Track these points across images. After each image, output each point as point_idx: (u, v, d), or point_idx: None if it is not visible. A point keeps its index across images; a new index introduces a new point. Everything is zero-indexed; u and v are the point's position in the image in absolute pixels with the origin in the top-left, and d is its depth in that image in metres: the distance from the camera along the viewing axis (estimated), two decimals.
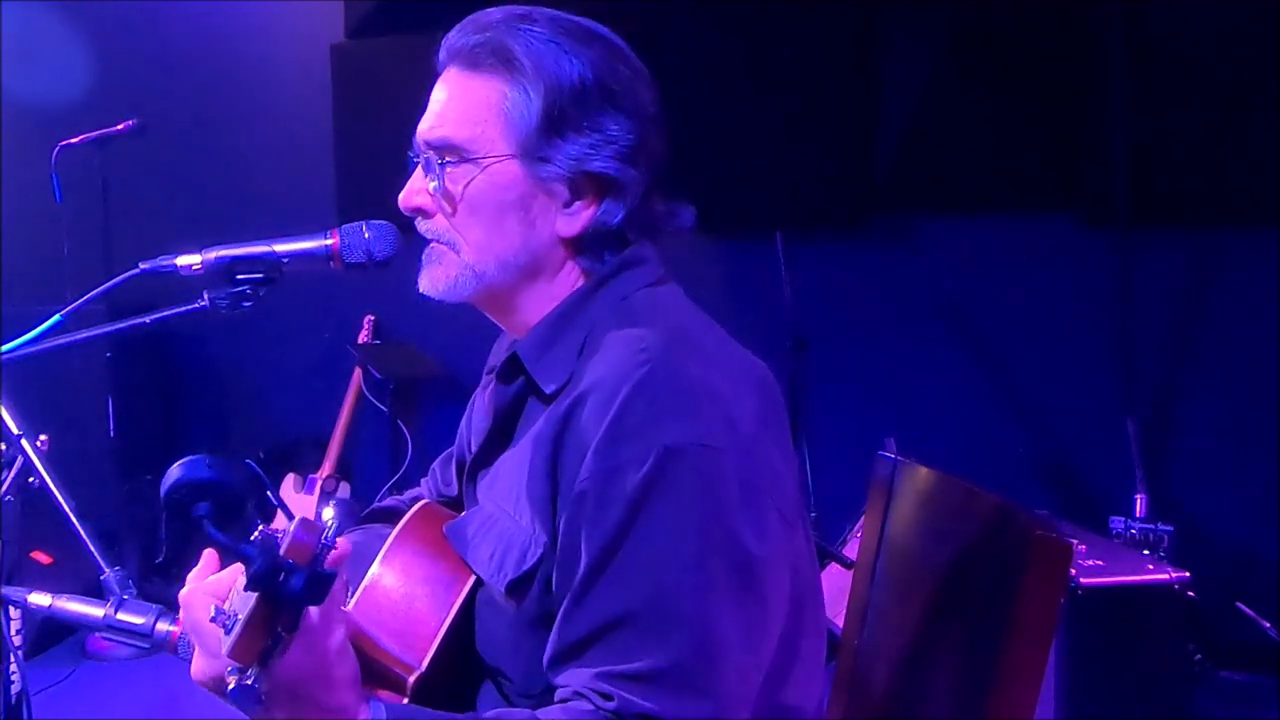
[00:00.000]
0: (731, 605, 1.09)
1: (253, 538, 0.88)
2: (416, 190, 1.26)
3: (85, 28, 4.45)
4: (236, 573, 1.04)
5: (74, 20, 4.44)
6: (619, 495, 1.08)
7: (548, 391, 1.21)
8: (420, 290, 1.27)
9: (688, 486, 1.08)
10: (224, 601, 0.97)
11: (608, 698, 1.06)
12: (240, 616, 0.87)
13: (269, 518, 0.97)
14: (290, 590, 0.85)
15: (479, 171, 1.21)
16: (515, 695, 1.23)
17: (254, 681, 0.89)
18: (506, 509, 1.23)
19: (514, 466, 1.24)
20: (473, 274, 1.24)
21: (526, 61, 1.19)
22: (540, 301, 1.26)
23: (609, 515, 1.08)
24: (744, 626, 1.10)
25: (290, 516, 0.90)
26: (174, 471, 0.92)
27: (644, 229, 1.27)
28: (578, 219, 1.23)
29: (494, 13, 1.24)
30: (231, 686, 0.89)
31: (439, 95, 1.25)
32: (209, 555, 1.14)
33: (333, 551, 0.90)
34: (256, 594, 0.86)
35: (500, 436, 1.30)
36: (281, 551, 0.86)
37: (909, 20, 3.74)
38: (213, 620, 0.92)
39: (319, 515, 1.07)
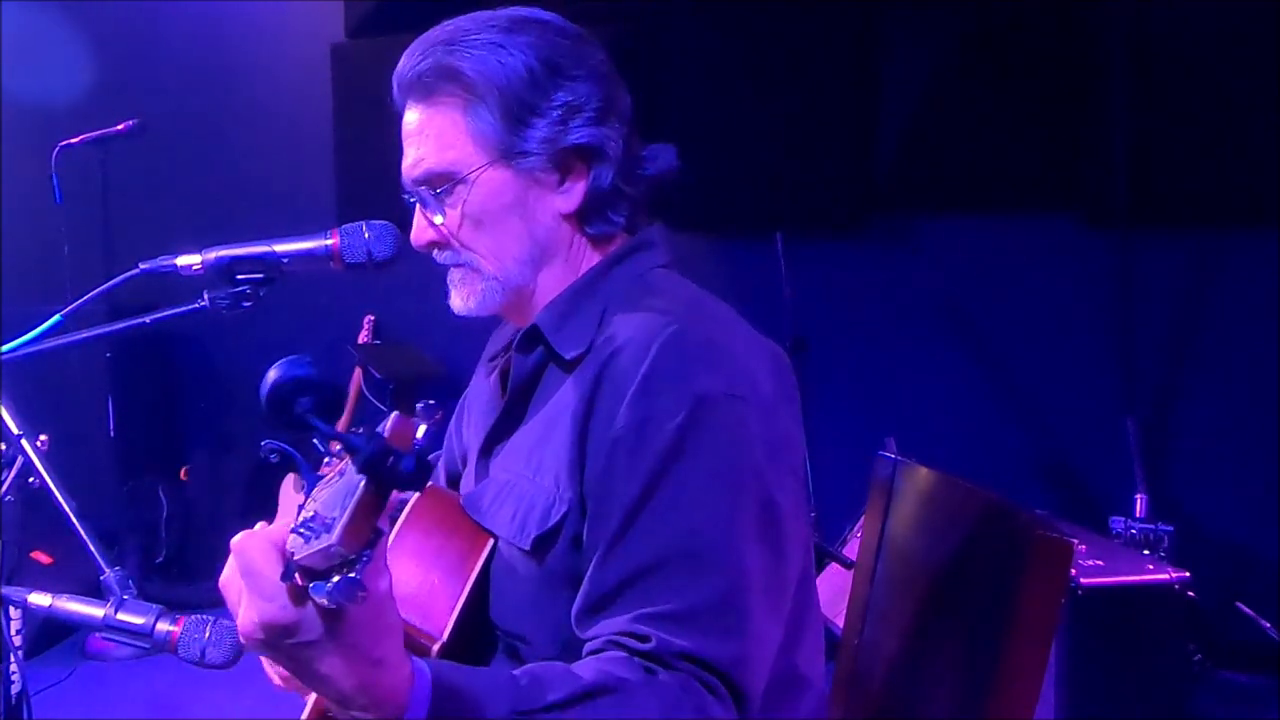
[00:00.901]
0: (760, 549, 1.13)
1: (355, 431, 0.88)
2: (422, 227, 1.29)
3: (85, 28, 4.45)
4: (285, 525, 1.01)
5: (74, 20, 4.44)
6: (653, 443, 1.12)
7: (568, 357, 1.25)
8: (455, 312, 1.31)
9: (720, 434, 1.13)
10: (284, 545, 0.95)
11: (644, 639, 1.08)
12: (350, 501, 0.86)
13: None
14: (402, 472, 0.86)
15: (470, 189, 1.25)
16: (533, 660, 1.23)
17: (357, 573, 0.88)
18: (525, 474, 1.25)
19: (533, 434, 1.27)
20: (498, 283, 1.28)
21: (471, 73, 1.23)
22: (560, 281, 1.30)
23: (643, 463, 1.12)
24: (769, 571, 1.14)
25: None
26: (273, 373, 0.92)
27: (633, 177, 1.30)
28: (574, 192, 1.27)
29: (428, 36, 1.27)
30: (336, 580, 0.87)
31: (409, 132, 1.29)
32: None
33: (423, 448, 0.90)
34: (363, 480, 0.86)
35: (516, 409, 1.32)
36: (385, 436, 0.87)
37: (909, 20, 3.74)
38: (294, 531, 0.91)
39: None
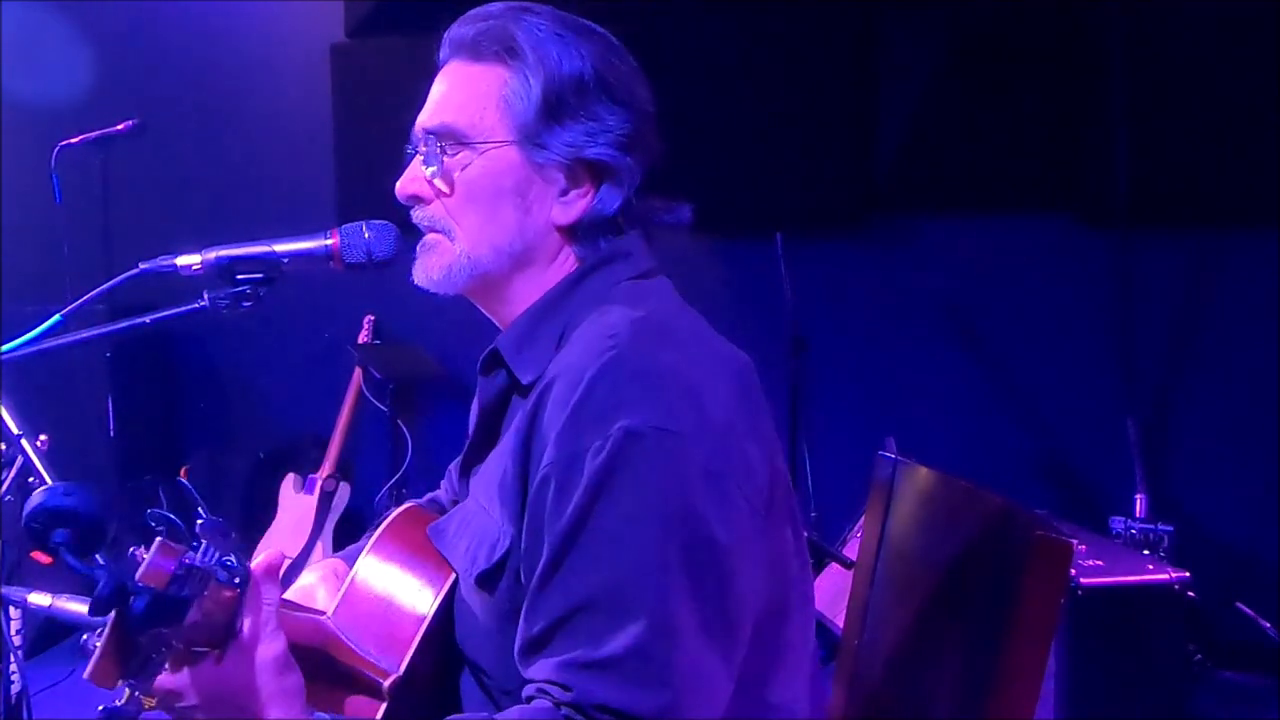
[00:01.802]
0: (692, 592, 1.07)
1: (106, 565, 0.89)
2: (414, 177, 1.26)
3: (85, 28, 4.44)
4: None
5: (74, 20, 4.43)
6: (578, 481, 1.07)
7: (524, 383, 1.22)
8: (415, 282, 1.28)
9: (647, 470, 1.07)
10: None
11: (566, 688, 1.05)
12: (101, 637, 0.88)
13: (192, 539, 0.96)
14: (132, 613, 0.86)
15: (477, 157, 1.23)
16: (495, 690, 1.23)
17: (126, 702, 0.89)
18: (483, 504, 1.23)
19: (495, 462, 1.25)
20: (468, 260, 1.24)
21: (528, 48, 1.22)
22: (533, 291, 1.27)
23: (568, 501, 1.08)
24: (704, 614, 1.08)
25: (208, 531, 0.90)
26: (34, 498, 0.93)
27: (639, 222, 1.28)
28: (574, 207, 1.24)
29: (494, 6, 1.26)
30: (101, 709, 0.90)
31: (439, 86, 1.27)
32: None
33: (195, 573, 0.90)
34: (110, 617, 0.87)
35: (487, 432, 1.30)
36: (137, 575, 0.87)
37: (909, 20, 3.74)
38: (82, 641, 0.93)
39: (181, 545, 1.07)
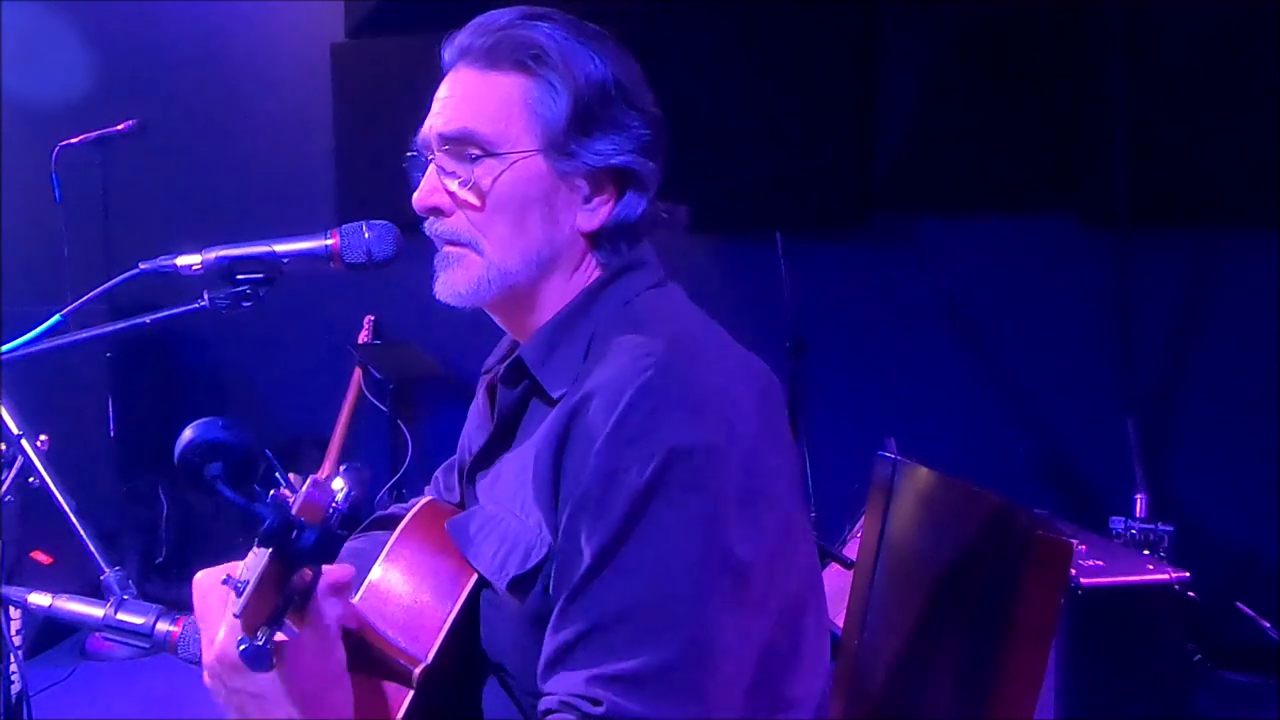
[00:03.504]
0: (726, 610, 1.08)
1: (267, 500, 0.88)
2: (434, 189, 1.23)
3: (85, 28, 4.45)
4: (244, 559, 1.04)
5: (74, 20, 4.44)
6: (621, 496, 1.07)
7: (554, 395, 1.20)
8: (440, 297, 1.25)
9: (691, 488, 1.07)
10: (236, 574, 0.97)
11: (596, 702, 1.05)
12: (252, 576, 0.87)
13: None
14: (302, 546, 0.85)
15: (504, 167, 1.20)
16: (519, 692, 1.22)
17: (265, 642, 0.88)
18: (512, 509, 1.22)
19: (517, 467, 1.24)
20: (498, 273, 1.22)
21: (555, 56, 1.20)
22: (557, 300, 1.25)
23: (610, 515, 1.08)
24: (736, 632, 1.09)
25: (296, 493, 0.90)
26: (187, 433, 0.91)
27: (653, 225, 1.28)
28: (598, 214, 1.24)
29: (506, 13, 1.24)
30: (244, 648, 0.88)
31: (449, 92, 1.24)
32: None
33: (342, 515, 0.90)
34: (269, 552, 0.86)
35: (502, 438, 1.29)
36: (294, 510, 0.87)
37: (909, 20, 3.74)
38: (224, 583, 0.92)
39: (329, 484, 1.08)
